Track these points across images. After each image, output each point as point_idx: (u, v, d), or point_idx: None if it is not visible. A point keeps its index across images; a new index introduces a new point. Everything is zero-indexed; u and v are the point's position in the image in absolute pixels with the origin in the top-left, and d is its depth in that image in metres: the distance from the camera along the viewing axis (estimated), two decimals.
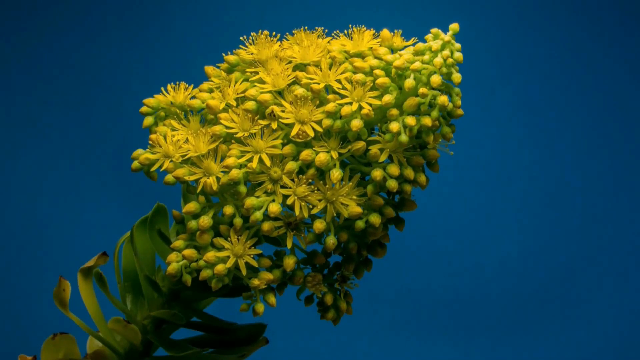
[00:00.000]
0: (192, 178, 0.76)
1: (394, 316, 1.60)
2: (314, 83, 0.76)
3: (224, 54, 0.83)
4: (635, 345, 1.58)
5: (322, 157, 0.74)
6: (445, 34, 0.77)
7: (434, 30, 0.78)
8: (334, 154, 0.75)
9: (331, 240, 0.76)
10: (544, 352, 1.58)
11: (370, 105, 0.75)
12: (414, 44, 0.79)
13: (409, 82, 0.74)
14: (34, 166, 1.59)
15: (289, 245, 0.76)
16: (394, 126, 0.74)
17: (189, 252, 0.76)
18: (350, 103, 0.75)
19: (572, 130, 1.66)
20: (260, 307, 0.77)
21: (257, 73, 0.80)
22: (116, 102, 1.61)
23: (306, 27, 0.82)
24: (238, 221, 0.75)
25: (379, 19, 0.81)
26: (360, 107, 0.74)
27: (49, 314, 1.33)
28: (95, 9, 1.63)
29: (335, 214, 0.75)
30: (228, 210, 0.75)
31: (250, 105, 0.77)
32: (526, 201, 1.64)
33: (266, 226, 0.75)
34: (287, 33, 0.83)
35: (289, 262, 0.77)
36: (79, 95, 1.62)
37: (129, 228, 0.85)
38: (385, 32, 0.80)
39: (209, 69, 0.83)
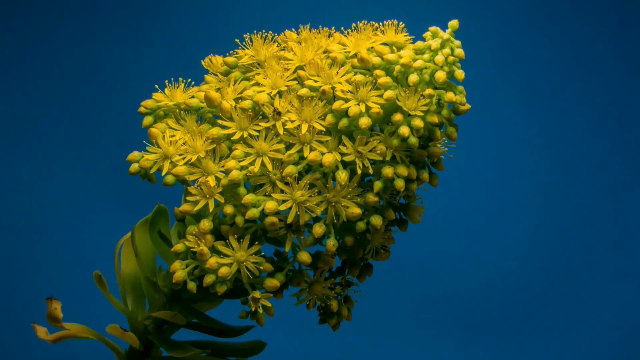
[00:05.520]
0: (192, 178, 0.76)
1: (395, 316, 1.60)
2: (322, 85, 0.75)
3: (222, 57, 0.83)
4: (635, 345, 1.58)
5: (329, 158, 0.74)
6: (444, 31, 0.77)
7: (433, 28, 0.77)
8: (337, 155, 0.74)
9: (331, 242, 0.76)
10: (546, 351, 1.58)
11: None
12: (413, 42, 0.79)
13: (413, 77, 0.74)
14: (34, 166, 1.59)
15: (288, 247, 0.76)
16: (404, 130, 0.73)
17: (205, 248, 0.75)
18: (358, 104, 0.74)
19: (574, 130, 1.66)
20: (262, 318, 0.77)
21: (257, 75, 0.79)
22: (117, 102, 1.61)
23: (309, 26, 0.82)
24: (240, 219, 0.75)
25: (378, 18, 0.81)
26: (368, 107, 0.74)
27: None
28: (95, 8, 1.63)
29: (334, 217, 0.75)
30: (228, 209, 0.75)
31: (247, 104, 0.77)
32: (528, 201, 1.64)
33: (269, 220, 0.74)
34: (287, 30, 0.83)
35: (304, 257, 0.76)
36: (79, 95, 1.61)
37: (130, 229, 0.84)
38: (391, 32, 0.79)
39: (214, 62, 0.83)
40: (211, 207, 0.75)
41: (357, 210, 0.75)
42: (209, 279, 0.75)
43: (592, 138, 1.66)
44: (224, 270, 0.75)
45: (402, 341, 1.59)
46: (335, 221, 0.75)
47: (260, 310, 0.76)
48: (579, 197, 1.65)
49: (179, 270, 0.76)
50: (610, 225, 1.64)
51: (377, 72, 0.75)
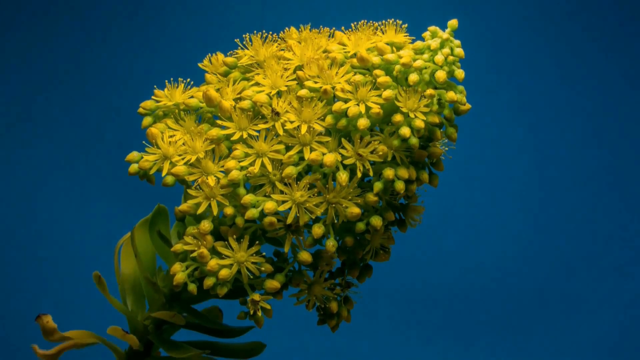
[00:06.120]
0: (191, 178, 0.76)
1: (394, 316, 1.60)
2: (323, 85, 0.75)
3: (222, 57, 0.83)
4: (635, 344, 1.58)
5: (331, 158, 0.74)
6: (444, 31, 0.76)
7: (432, 28, 0.77)
8: (338, 155, 0.74)
9: (331, 243, 0.75)
10: (545, 352, 1.58)
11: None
12: (413, 42, 0.78)
13: (414, 77, 0.74)
14: (34, 166, 1.59)
15: (287, 248, 0.76)
16: (405, 131, 0.73)
17: (205, 250, 0.75)
18: (357, 104, 0.74)
19: (572, 130, 1.66)
20: (261, 320, 0.77)
21: (257, 75, 0.79)
22: (116, 102, 1.61)
23: (309, 26, 0.82)
24: (240, 220, 0.74)
25: (378, 18, 0.81)
26: (367, 108, 0.74)
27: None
28: (95, 8, 1.63)
29: (334, 217, 0.75)
30: (228, 210, 0.75)
31: (246, 104, 0.76)
32: (526, 200, 1.64)
33: (268, 220, 0.74)
34: (286, 28, 0.83)
35: (305, 256, 0.76)
36: (79, 95, 1.61)
37: (130, 229, 0.84)
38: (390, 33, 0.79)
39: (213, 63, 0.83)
40: (214, 209, 0.75)
41: (356, 210, 0.74)
42: (209, 282, 0.75)
43: (591, 138, 1.66)
44: (224, 272, 0.74)
45: (401, 341, 1.59)
46: (335, 222, 0.75)
47: (259, 313, 0.76)
48: (578, 197, 1.65)
49: (179, 273, 0.76)
50: (610, 225, 1.64)
51: (377, 71, 0.75)
